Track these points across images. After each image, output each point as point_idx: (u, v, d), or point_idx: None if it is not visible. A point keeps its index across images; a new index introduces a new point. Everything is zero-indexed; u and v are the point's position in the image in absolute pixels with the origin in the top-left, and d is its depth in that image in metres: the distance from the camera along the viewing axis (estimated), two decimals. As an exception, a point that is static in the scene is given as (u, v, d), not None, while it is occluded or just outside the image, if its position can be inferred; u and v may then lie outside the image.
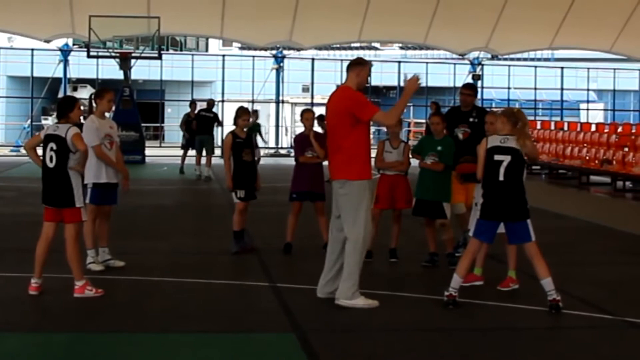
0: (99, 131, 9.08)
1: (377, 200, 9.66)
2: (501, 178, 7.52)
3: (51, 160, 7.81)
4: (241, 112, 10.32)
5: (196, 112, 21.56)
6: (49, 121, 39.79)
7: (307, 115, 10.58)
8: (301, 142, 10.52)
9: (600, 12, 31.51)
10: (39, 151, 8.00)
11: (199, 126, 20.91)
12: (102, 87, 10.00)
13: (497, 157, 7.56)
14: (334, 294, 7.69)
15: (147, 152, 28.71)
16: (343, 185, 7.61)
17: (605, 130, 24.65)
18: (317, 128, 10.71)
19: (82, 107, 8.32)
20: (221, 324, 7.09)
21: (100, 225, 9.24)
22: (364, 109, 7.53)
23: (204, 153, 20.86)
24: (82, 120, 8.92)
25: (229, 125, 12.30)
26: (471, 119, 10.01)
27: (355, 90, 7.67)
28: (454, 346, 6.54)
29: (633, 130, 24.51)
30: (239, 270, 9.58)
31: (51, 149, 7.80)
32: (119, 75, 28.62)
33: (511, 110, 7.86)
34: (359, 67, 7.76)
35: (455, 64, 39.34)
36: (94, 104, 9.35)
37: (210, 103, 21.67)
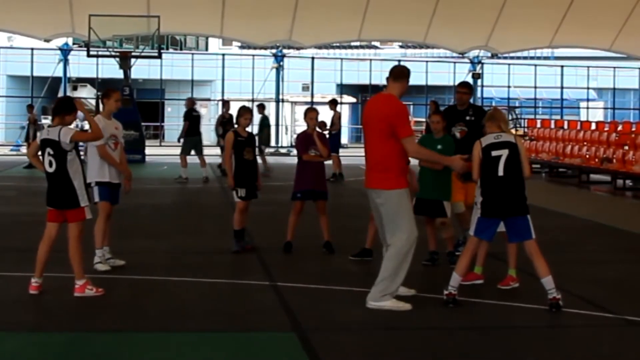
0: (105, 131, 9.08)
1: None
2: (500, 173, 7.54)
3: (50, 165, 7.81)
4: (243, 111, 10.34)
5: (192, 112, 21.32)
6: (49, 120, 39.77)
7: (310, 114, 10.59)
8: (304, 141, 10.54)
9: (600, 10, 31.53)
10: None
11: (192, 127, 20.68)
12: (109, 87, 10.01)
13: (494, 153, 7.58)
14: (410, 290, 7.84)
15: (147, 151, 28.72)
16: (379, 195, 7.55)
17: (605, 129, 24.66)
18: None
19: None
20: (221, 323, 7.10)
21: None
22: (404, 126, 7.47)
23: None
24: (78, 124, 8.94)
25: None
26: (468, 117, 10.01)
27: (398, 99, 7.67)
28: (454, 345, 6.54)
29: (633, 129, 24.53)
30: (239, 269, 9.58)
31: (48, 154, 7.80)
32: (119, 74, 28.63)
33: (491, 114, 7.98)
34: (405, 79, 7.72)
35: (455, 62, 39.33)
36: (100, 104, 9.38)
37: (193, 103, 21.44)
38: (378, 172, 7.55)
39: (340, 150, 21.59)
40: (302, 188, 10.43)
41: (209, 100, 45.65)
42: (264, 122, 23.74)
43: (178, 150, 21.08)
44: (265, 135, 23.56)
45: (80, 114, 8.21)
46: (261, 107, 23.84)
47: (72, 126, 8.11)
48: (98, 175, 9.13)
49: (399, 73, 7.78)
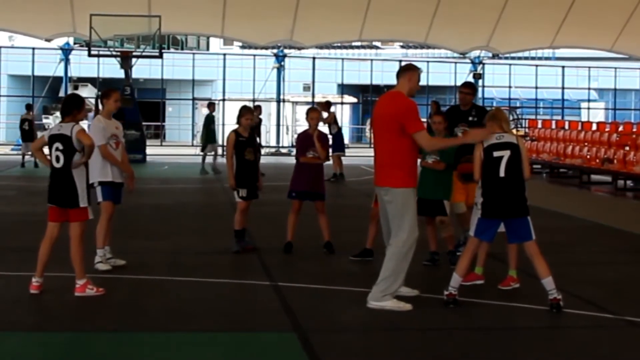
0: (106, 131, 9.13)
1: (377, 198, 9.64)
2: (502, 174, 7.53)
3: (57, 161, 7.81)
4: (244, 111, 10.34)
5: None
6: (50, 120, 39.80)
7: (312, 114, 10.57)
8: (304, 141, 10.51)
9: (601, 11, 31.52)
10: (46, 151, 8.02)
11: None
12: (109, 87, 10.05)
13: (496, 154, 7.57)
14: (414, 291, 7.85)
15: (148, 150, 28.72)
16: (387, 193, 7.55)
17: (606, 130, 24.66)
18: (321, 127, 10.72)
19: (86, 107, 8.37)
20: (222, 323, 7.09)
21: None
22: (413, 121, 7.43)
23: None
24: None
25: (230, 124, 12.30)
26: (470, 118, 10.01)
27: (407, 96, 7.63)
28: (455, 345, 6.54)
29: (634, 130, 24.52)
30: (239, 269, 9.58)
31: (57, 149, 7.80)
32: (120, 74, 28.64)
33: (492, 113, 7.93)
34: (410, 72, 7.68)
35: (456, 63, 39.33)
36: (100, 105, 9.40)
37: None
38: (387, 170, 7.55)
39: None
40: (297, 188, 10.41)
41: (209, 100, 45.62)
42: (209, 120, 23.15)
43: (178, 150, 21.06)
44: (211, 133, 22.86)
45: (90, 114, 8.26)
46: (211, 106, 23.32)
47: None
48: (100, 175, 9.15)
49: (403, 68, 7.79)
